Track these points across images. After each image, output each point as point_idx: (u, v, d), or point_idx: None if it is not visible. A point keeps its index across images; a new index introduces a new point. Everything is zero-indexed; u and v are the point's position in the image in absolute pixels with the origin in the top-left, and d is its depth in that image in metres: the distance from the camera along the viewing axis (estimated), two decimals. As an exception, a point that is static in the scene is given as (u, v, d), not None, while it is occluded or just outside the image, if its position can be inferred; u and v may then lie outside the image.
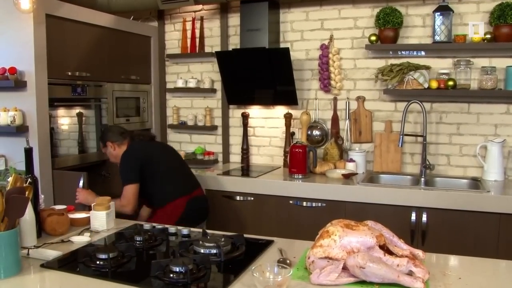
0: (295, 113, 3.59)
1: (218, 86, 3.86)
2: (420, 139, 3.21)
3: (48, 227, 1.84)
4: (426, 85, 3.08)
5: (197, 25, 3.87)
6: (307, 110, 3.54)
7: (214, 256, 1.59)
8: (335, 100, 3.48)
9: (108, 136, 2.82)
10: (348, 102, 3.45)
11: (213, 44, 3.84)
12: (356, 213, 2.77)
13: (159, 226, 1.95)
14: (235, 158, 3.86)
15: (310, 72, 3.56)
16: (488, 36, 2.90)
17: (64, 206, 2.06)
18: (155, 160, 2.73)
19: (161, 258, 1.61)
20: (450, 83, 3.01)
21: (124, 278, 1.44)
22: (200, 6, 3.80)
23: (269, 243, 1.77)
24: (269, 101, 3.60)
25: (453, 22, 3.04)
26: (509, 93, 2.93)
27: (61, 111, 3.08)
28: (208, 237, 1.75)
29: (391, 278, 1.32)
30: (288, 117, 3.57)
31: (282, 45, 3.59)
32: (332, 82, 3.46)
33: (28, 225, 1.69)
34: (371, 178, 3.17)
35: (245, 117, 3.70)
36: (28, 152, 1.80)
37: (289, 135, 3.59)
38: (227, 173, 3.39)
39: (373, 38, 3.18)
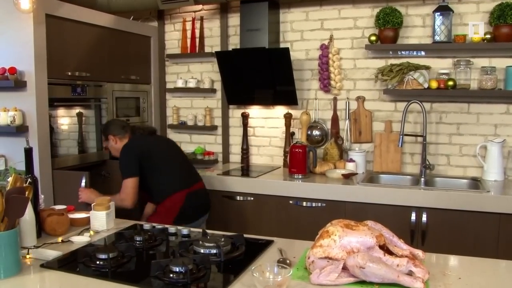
0: (295, 113, 3.59)
1: (218, 86, 3.86)
2: (420, 139, 3.21)
3: (48, 227, 1.84)
4: (426, 85, 3.08)
5: (197, 25, 3.87)
6: (307, 110, 3.54)
7: (214, 256, 1.59)
8: (335, 100, 3.48)
9: (110, 130, 2.83)
10: (348, 102, 3.45)
11: (213, 44, 3.84)
12: (356, 213, 2.77)
13: (159, 226, 1.95)
14: (235, 158, 3.86)
15: (310, 72, 3.56)
16: (488, 36, 2.90)
17: (64, 206, 2.07)
18: (154, 154, 2.73)
19: (161, 258, 1.61)
20: (450, 83, 3.01)
21: (124, 278, 1.44)
22: (200, 6, 3.80)
23: (269, 243, 1.77)
24: (269, 101, 3.60)
25: (453, 22, 3.04)
26: (509, 93, 2.93)
27: (61, 111, 3.08)
28: (208, 237, 1.75)
29: (391, 278, 1.32)
30: (288, 117, 3.57)
31: (282, 45, 3.59)
32: (332, 82, 3.46)
33: (28, 225, 1.69)
34: (371, 178, 3.17)
35: (245, 117, 3.70)
36: (28, 152, 1.80)
37: (289, 135, 3.59)
38: (227, 173, 3.39)
39: (373, 38, 3.18)
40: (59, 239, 1.79)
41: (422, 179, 3.06)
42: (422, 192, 2.76)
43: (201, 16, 3.85)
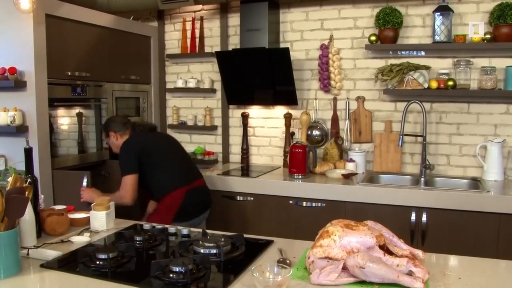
0: (295, 113, 3.59)
1: (218, 86, 3.86)
2: (420, 139, 3.21)
3: (48, 227, 1.84)
4: (426, 85, 3.08)
5: (197, 25, 3.87)
6: (307, 110, 3.54)
7: (214, 256, 1.59)
8: (335, 100, 3.48)
9: (111, 126, 2.83)
10: (348, 102, 3.45)
11: (213, 44, 3.84)
12: (356, 213, 2.77)
13: (159, 226, 1.95)
14: (235, 158, 3.86)
15: (310, 72, 3.56)
16: (488, 36, 2.90)
17: (63, 206, 2.07)
18: (154, 150, 2.72)
19: (161, 258, 1.61)
20: (450, 83, 3.01)
21: (124, 278, 1.44)
22: (200, 6, 3.81)
23: (269, 243, 1.77)
24: (269, 101, 3.60)
25: (453, 22, 3.04)
26: (509, 93, 2.93)
27: (61, 111, 3.08)
28: (208, 237, 1.75)
29: (391, 278, 1.32)
30: (288, 117, 3.57)
31: (282, 45, 3.59)
32: (332, 82, 3.46)
33: (28, 225, 1.69)
34: (371, 178, 3.17)
35: (245, 117, 3.70)
36: (28, 152, 1.80)
37: (289, 135, 3.59)
38: (227, 173, 3.39)
39: (373, 38, 3.18)
40: (59, 239, 1.79)
41: (422, 179, 3.06)
42: (422, 192, 2.76)
43: (201, 16, 3.85)
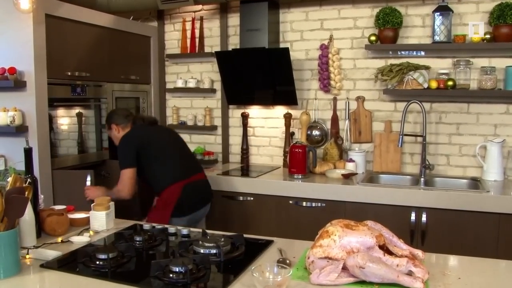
0: (295, 113, 3.59)
1: (217, 86, 3.86)
2: (419, 139, 3.22)
3: (48, 227, 1.84)
4: (425, 85, 3.08)
5: (197, 25, 3.87)
6: (307, 110, 3.54)
7: (214, 256, 1.59)
8: (334, 100, 3.48)
9: (114, 119, 2.83)
10: (348, 102, 3.45)
11: (212, 44, 3.84)
12: (356, 213, 2.77)
13: (159, 226, 1.95)
14: (235, 158, 3.86)
15: (310, 72, 3.56)
16: (488, 36, 2.90)
17: (63, 206, 2.06)
18: (153, 144, 2.71)
19: (160, 258, 1.61)
20: (450, 83, 3.01)
21: (123, 278, 1.44)
22: (200, 6, 3.81)
23: (268, 243, 1.77)
24: (269, 101, 3.60)
25: (453, 22, 3.04)
26: (509, 93, 2.93)
27: (60, 111, 3.08)
28: (208, 237, 1.74)
29: (390, 278, 1.32)
30: (287, 117, 3.57)
31: (281, 45, 3.59)
32: (332, 82, 3.46)
33: (28, 225, 1.69)
34: (371, 178, 3.17)
35: (244, 117, 3.70)
36: (28, 152, 1.80)
37: (289, 135, 3.59)
38: (227, 173, 3.39)
39: (373, 38, 3.18)
40: (59, 239, 1.79)
41: (422, 179, 3.06)
42: (421, 192, 2.76)
43: (201, 16, 3.85)
